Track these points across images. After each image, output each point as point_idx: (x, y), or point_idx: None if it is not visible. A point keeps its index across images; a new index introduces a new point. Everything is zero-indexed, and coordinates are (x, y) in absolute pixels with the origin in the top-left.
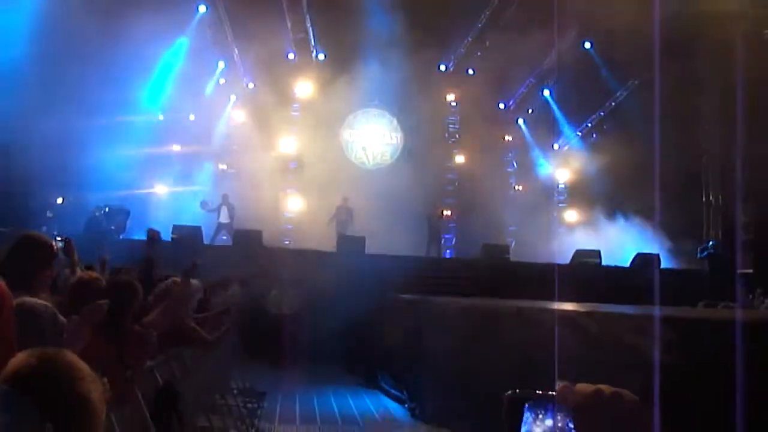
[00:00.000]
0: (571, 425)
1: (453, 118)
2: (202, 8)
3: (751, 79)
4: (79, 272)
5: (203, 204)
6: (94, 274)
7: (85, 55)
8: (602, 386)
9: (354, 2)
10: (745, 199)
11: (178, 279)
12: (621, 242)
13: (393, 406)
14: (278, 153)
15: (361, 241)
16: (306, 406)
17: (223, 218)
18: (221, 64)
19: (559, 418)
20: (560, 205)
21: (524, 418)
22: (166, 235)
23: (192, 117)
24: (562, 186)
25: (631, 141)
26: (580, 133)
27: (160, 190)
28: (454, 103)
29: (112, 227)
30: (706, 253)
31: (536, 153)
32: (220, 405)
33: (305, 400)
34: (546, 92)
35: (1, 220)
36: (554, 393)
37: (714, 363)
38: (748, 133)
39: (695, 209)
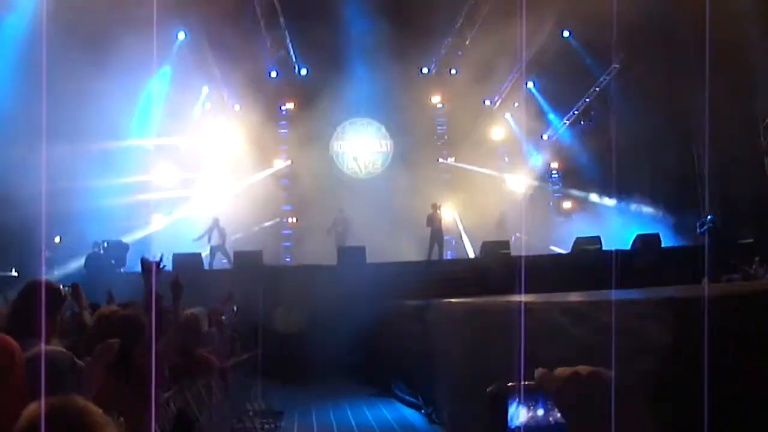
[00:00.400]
0: (557, 411)
1: (440, 119)
2: (181, 35)
3: (729, 46)
4: (86, 315)
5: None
6: (112, 308)
7: (68, 90)
8: (579, 367)
9: (331, 15)
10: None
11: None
12: (620, 225)
13: (409, 413)
14: (270, 171)
15: (361, 251)
16: (323, 420)
17: (215, 241)
18: (205, 89)
19: (543, 405)
20: (555, 195)
21: (510, 411)
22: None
23: (181, 144)
24: (555, 175)
25: (619, 124)
26: (567, 122)
27: (157, 220)
28: (440, 105)
29: (112, 262)
30: (705, 227)
31: (526, 145)
32: (237, 429)
33: (321, 414)
34: (530, 84)
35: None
36: (534, 382)
37: (720, 339)
38: (733, 103)
39: (690, 184)
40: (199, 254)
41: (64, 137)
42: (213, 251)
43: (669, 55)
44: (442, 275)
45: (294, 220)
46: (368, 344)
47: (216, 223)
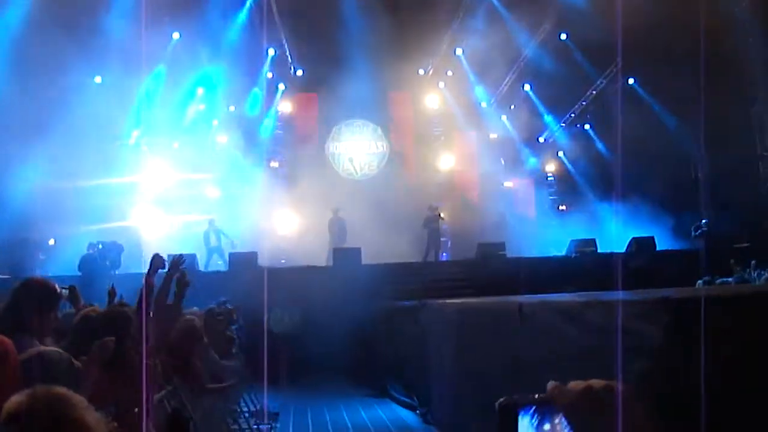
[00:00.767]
0: (567, 427)
1: (436, 120)
2: (176, 35)
3: (728, 55)
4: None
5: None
6: (95, 308)
7: (65, 88)
8: (593, 381)
9: (327, 16)
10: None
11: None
12: (615, 228)
13: (404, 414)
14: (266, 172)
15: (356, 252)
16: (318, 420)
17: (212, 243)
18: (200, 90)
19: (555, 421)
20: (551, 197)
21: (520, 425)
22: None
23: (176, 144)
24: (551, 178)
25: (615, 127)
26: (564, 124)
27: (152, 221)
28: (435, 106)
29: (107, 263)
30: (700, 231)
31: (522, 148)
32: (232, 430)
33: (317, 415)
34: (527, 87)
35: None
36: (545, 395)
37: (714, 340)
38: (730, 108)
39: (687, 188)
40: (194, 255)
41: (57, 136)
42: (210, 252)
43: (667, 59)
44: (438, 276)
45: (290, 221)
46: (364, 345)
47: (212, 225)
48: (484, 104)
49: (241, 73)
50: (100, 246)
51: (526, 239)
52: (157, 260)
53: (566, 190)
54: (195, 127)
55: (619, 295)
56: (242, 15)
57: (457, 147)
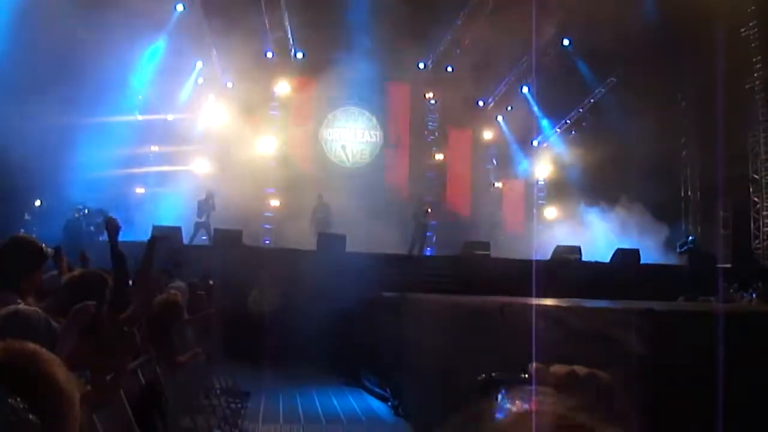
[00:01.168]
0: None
1: (432, 115)
2: (180, 7)
3: (729, 75)
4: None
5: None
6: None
7: (62, 55)
8: (576, 367)
9: (332, 1)
10: (723, 194)
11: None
12: (602, 237)
13: (376, 405)
14: (257, 152)
15: (341, 239)
16: (289, 405)
17: (201, 217)
18: (199, 64)
19: (536, 399)
20: (540, 201)
21: (499, 402)
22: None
23: (170, 117)
24: (542, 182)
25: (611, 137)
26: (559, 130)
27: (139, 191)
28: (433, 101)
29: (92, 228)
30: (685, 248)
31: (516, 150)
32: (204, 405)
33: (288, 399)
34: (525, 89)
35: None
36: (529, 375)
37: (694, 355)
38: (726, 129)
39: (676, 204)
40: (179, 228)
41: (54, 103)
42: (197, 226)
43: (666, 75)
44: (421, 271)
45: (277, 202)
46: (341, 333)
47: (211, 196)
48: (481, 103)
49: (241, 50)
50: (86, 211)
51: (512, 241)
52: (110, 224)
53: (556, 196)
54: (191, 101)
55: (599, 303)
56: None
57: (450, 143)
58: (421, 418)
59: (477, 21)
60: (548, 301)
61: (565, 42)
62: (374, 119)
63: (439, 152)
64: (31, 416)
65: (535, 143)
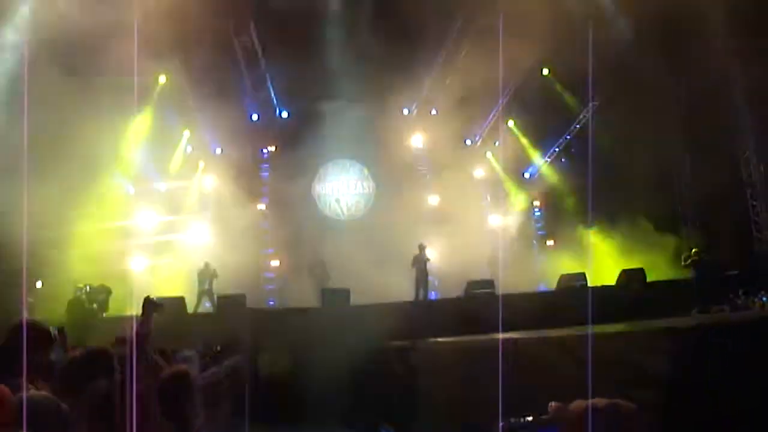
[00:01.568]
0: None
1: (422, 159)
2: (162, 79)
3: (716, 83)
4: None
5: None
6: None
7: (49, 129)
8: (596, 400)
9: (311, 57)
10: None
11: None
12: (605, 260)
13: None
14: (251, 214)
15: (345, 292)
16: None
17: (205, 285)
18: (187, 133)
19: None
20: (539, 232)
21: None
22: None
23: (163, 187)
24: (539, 213)
25: (601, 159)
26: (549, 159)
27: (139, 264)
28: (421, 145)
29: (94, 306)
30: (690, 260)
31: (508, 183)
32: None
33: None
34: (511, 123)
35: None
36: (547, 416)
37: (714, 366)
38: (714, 137)
39: (674, 217)
40: (182, 298)
41: (45, 179)
42: (200, 295)
43: (649, 91)
44: (428, 315)
45: (277, 263)
46: (353, 386)
47: (207, 267)
48: (468, 142)
49: (226, 116)
50: (87, 289)
51: (515, 275)
52: (149, 304)
53: (555, 224)
54: (182, 169)
55: (610, 327)
56: (227, 56)
57: (442, 185)
58: None
59: (455, 62)
60: (560, 332)
61: (545, 71)
62: (365, 170)
63: (432, 195)
64: None
65: (527, 175)
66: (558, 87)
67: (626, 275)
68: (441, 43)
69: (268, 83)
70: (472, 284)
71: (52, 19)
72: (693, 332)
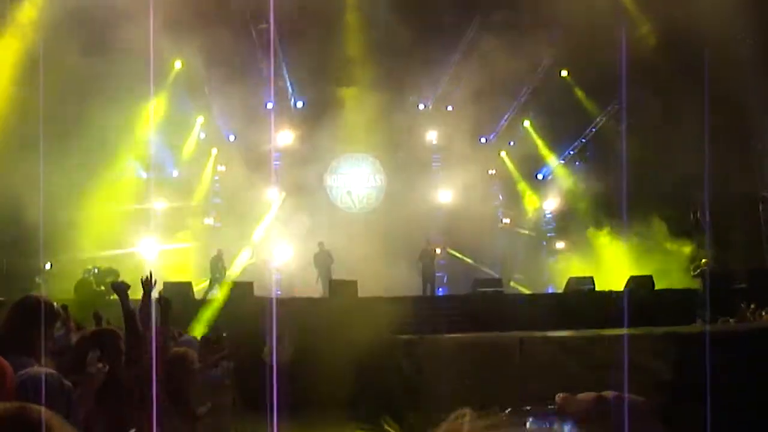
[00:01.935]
0: None
1: (435, 155)
2: (178, 64)
3: (733, 91)
4: (73, 336)
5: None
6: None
7: (65, 112)
8: (605, 392)
9: (329, 48)
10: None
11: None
12: (614, 266)
13: None
14: (263, 203)
15: (353, 284)
16: None
17: (217, 273)
18: (200, 119)
19: (563, 428)
20: (549, 234)
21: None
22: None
23: (175, 173)
24: (550, 215)
25: (615, 164)
26: (563, 161)
27: (148, 248)
28: (435, 141)
29: (102, 288)
30: (699, 270)
31: (521, 184)
32: None
33: None
34: (526, 123)
35: None
36: (554, 406)
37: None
38: (729, 150)
39: (686, 228)
40: (190, 283)
41: (60, 162)
42: (212, 282)
43: (667, 96)
44: (435, 311)
45: (286, 252)
46: (358, 378)
47: (220, 255)
48: (483, 140)
49: (241, 103)
50: (96, 271)
51: (524, 276)
52: (118, 287)
53: (565, 227)
54: (195, 155)
55: (617, 332)
56: (244, 44)
57: (455, 181)
58: None
59: (473, 58)
60: (566, 333)
61: (563, 73)
62: (378, 163)
63: (444, 191)
64: None
65: (540, 176)
66: (576, 89)
67: (634, 281)
68: (460, 37)
69: (285, 72)
70: (480, 282)
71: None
72: (692, 338)
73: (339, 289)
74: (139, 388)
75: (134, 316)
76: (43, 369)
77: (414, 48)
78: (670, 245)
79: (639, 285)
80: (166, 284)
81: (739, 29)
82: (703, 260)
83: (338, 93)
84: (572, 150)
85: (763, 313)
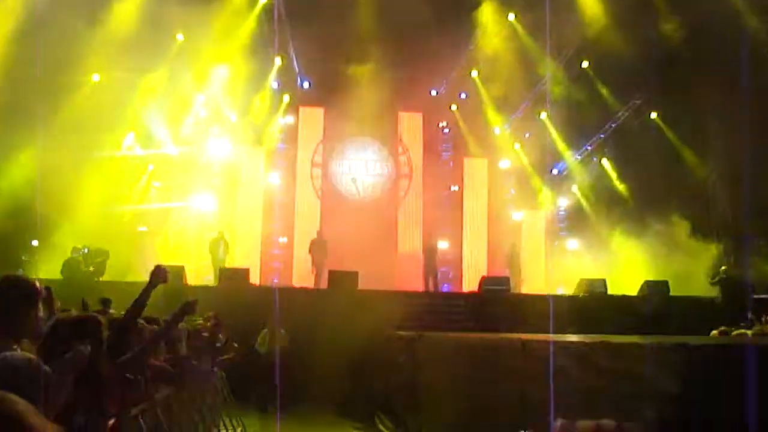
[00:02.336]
0: None
1: (446, 144)
2: (180, 37)
3: (756, 94)
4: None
5: None
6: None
7: (59, 82)
8: (605, 421)
9: (338, 29)
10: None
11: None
12: (628, 268)
13: None
14: (263, 187)
15: (353, 275)
16: None
17: (220, 255)
18: (200, 96)
19: None
20: (561, 233)
21: None
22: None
23: (174, 152)
24: (563, 212)
25: (635, 163)
26: (579, 157)
27: (141, 229)
28: (447, 130)
29: (91, 269)
30: (717, 278)
31: (534, 179)
32: None
33: None
34: (543, 115)
35: None
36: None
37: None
38: (756, 149)
39: (705, 231)
40: (182, 267)
41: (53, 139)
42: (216, 266)
43: (693, 93)
44: (438, 308)
45: (286, 240)
46: (354, 374)
47: (221, 237)
48: (497, 130)
49: (245, 81)
50: (85, 251)
51: (533, 275)
52: (159, 274)
53: (579, 226)
54: (193, 135)
55: (627, 339)
56: (249, 21)
57: (466, 172)
58: None
59: (491, 45)
60: (572, 338)
61: (584, 64)
62: (385, 150)
63: (454, 183)
64: None
65: (555, 171)
66: (597, 81)
67: (649, 286)
68: (476, 24)
69: (291, 51)
70: (487, 280)
71: None
72: (705, 351)
73: (339, 280)
74: (121, 381)
75: (142, 310)
76: (20, 354)
77: (430, 32)
78: (693, 246)
79: (654, 290)
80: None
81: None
82: (723, 267)
83: (347, 75)
84: (590, 145)
85: None
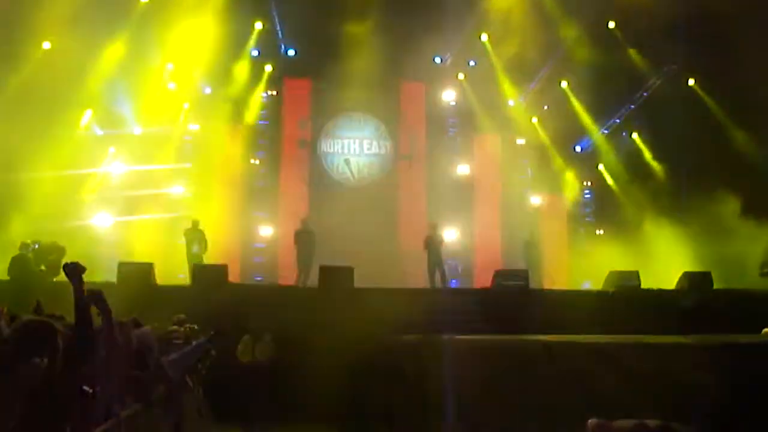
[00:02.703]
0: None
1: (453, 119)
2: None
3: None
4: (3, 326)
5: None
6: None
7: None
8: (647, 420)
9: None
10: None
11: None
12: (664, 259)
13: None
14: (244, 171)
15: (348, 272)
16: None
17: (194, 250)
18: (169, 66)
19: None
20: (587, 219)
21: None
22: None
23: (138, 131)
24: (588, 196)
25: (670, 137)
26: (606, 132)
27: (103, 219)
28: (453, 102)
29: (43, 267)
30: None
31: (555, 157)
32: None
33: None
34: (564, 84)
35: None
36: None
37: None
38: None
39: (754, 215)
40: (151, 264)
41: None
42: (191, 261)
43: (738, 55)
44: (446, 307)
45: (269, 231)
46: (351, 386)
47: (195, 227)
48: (511, 102)
49: (220, 48)
50: (36, 246)
51: (555, 268)
52: (72, 269)
53: (606, 211)
54: (161, 110)
55: (664, 339)
56: None
57: (476, 151)
58: None
59: (504, 3)
60: (602, 338)
61: (611, 25)
62: (383, 126)
63: (462, 163)
64: None
65: (578, 148)
66: (626, 44)
67: (689, 278)
68: None
69: (273, 11)
70: (502, 274)
71: None
72: (756, 352)
73: (331, 277)
74: (82, 395)
75: (87, 307)
76: None
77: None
78: (742, 230)
79: (694, 283)
80: (121, 265)
81: None
82: None
83: (337, 41)
84: (618, 118)
85: None
